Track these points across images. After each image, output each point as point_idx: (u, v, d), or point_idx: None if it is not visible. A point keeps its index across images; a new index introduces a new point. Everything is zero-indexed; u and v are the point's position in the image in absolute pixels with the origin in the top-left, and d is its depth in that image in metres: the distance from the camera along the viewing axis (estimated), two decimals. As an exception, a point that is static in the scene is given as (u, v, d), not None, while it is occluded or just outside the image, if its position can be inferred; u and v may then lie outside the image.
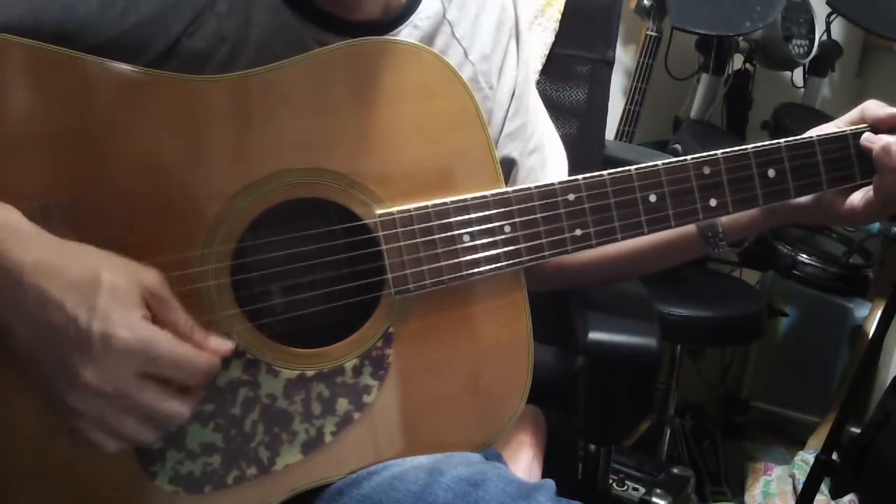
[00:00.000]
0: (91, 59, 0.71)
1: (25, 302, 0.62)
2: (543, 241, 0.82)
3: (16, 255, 0.62)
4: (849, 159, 0.87)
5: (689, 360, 2.24)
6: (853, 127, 0.88)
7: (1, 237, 0.63)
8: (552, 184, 0.82)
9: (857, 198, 0.88)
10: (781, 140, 0.86)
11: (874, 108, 0.88)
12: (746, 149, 0.85)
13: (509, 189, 0.81)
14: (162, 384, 0.65)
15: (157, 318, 0.66)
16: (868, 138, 0.87)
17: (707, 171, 0.84)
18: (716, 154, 0.84)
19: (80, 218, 0.68)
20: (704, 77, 2.14)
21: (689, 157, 0.84)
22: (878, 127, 0.88)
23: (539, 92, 1.05)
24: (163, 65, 0.74)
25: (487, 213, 0.80)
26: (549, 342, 1.14)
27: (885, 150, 0.84)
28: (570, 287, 1.07)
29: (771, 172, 0.86)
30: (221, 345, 0.70)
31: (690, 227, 0.93)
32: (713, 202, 0.85)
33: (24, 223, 0.65)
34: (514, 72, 0.97)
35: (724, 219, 0.93)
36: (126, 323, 0.63)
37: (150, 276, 0.67)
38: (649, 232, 0.84)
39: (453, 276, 0.80)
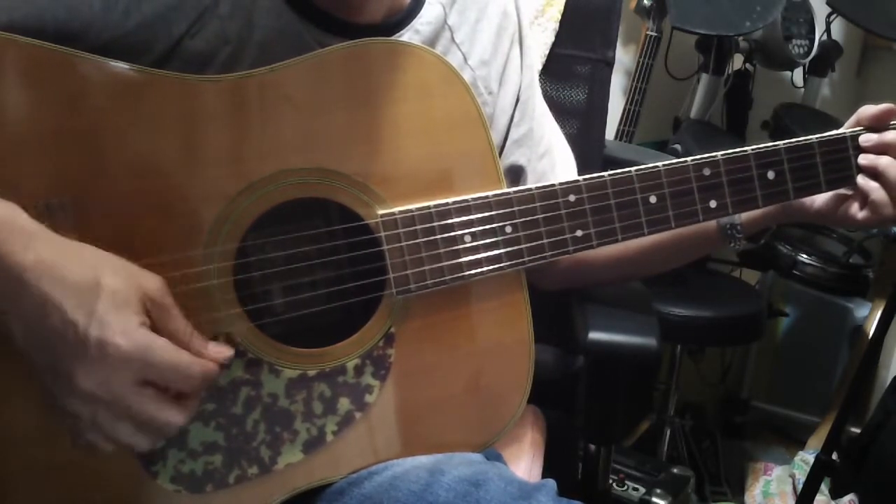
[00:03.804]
0: (90, 58, 0.71)
1: (25, 301, 0.62)
2: (545, 241, 0.82)
3: (16, 254, 0.62)
4: (847, 161, 0.88)
5: (689, 360, 2.24)
6: (851, 129, 0.89)
7: (1, 236, 0.62)
8: (553, 185, 0.82)
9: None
10: (781, 142, 0.87)
11: (867, 109, 0.89)
12: (746, 150, 0.85)
13: (510, 190, 0.82)
14: (159, 392, 0.65)
15: (155, 325, 0.65)
16: (867, 138, 0.87)
17: (707, 172, 0.85)
18: (716, 156, 0.85)
19: (81, 218, 0.68)
20: (704, 77, 2.14)
21: (689, 158, 0.85)
22: (877, 125, 0.88)
23: (539, 92, 1.05)
24: (165, 66, 0.74)
25: (489, 213, 0.80)
26: (549, 342, 1.14)
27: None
28: (590, 285, 1.07)
29: (770, 174, 0.86)
30: (221, 352, 0.69)
31: (710, 222, 0.94)
32: (713, 203, 0.85)
33: (24, 220, 0.64)
34: (518, 78, 0.97)
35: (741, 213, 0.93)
36: (123, 329, 0.62)
37: (152, 282, 0.66)
38: (649, 233, 0.85)
39: (455, 276, 0.80)
